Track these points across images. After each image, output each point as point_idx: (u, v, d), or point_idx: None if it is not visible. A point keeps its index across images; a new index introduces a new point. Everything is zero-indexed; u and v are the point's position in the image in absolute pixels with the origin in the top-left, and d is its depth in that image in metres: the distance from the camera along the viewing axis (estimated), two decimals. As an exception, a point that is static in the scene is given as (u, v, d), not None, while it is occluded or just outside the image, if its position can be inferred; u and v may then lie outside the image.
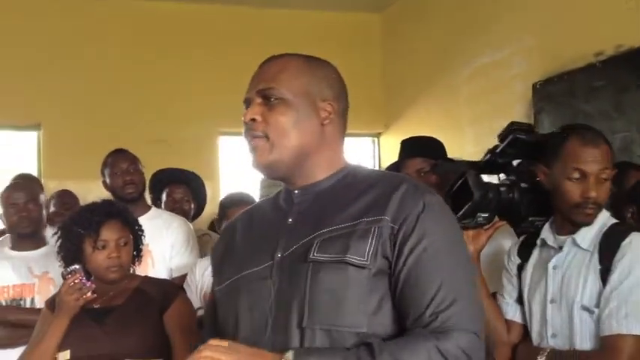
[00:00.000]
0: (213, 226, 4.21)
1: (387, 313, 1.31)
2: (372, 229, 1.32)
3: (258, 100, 1.42)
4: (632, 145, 3.59)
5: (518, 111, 4.39)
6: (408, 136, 3.18)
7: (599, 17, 3.78)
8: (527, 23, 4.41)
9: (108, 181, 3.37)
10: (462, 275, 1.33)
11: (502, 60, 4.55)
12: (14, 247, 3.12)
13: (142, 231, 2.57)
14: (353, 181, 1.43)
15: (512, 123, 2.21)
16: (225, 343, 1.23)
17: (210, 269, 2.96)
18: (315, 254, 1.32)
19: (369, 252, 1.30)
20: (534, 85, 4.29)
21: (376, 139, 6.29)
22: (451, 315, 1.26)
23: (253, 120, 1.41)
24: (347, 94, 1.49)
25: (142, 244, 2.58)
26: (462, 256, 1.37)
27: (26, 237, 3.08)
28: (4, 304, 2.98)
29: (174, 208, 3.73)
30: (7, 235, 3.50)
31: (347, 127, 1.50)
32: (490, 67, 4.75)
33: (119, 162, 3.34)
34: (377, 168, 5.64)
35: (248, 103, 1.45)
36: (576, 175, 1.98)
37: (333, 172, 1.45)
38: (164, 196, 3.88)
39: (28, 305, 3.00)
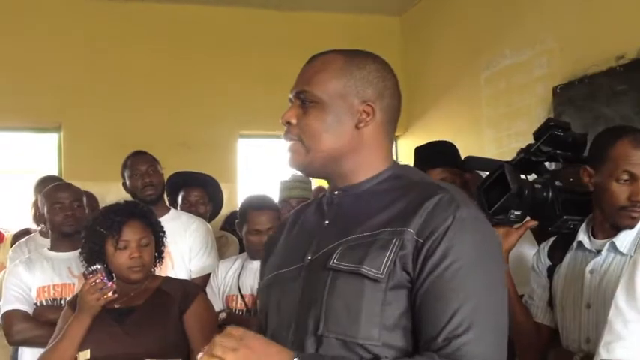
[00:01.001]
0: (225, 226, 4.22)
1: (408, 328, 1.26)
2: (394, 241, 1.27)
3: (297, 101, 1.41)
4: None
5: (539, 114, 4.35)
6: (425, 141, 3.14)
7: (621, 21, 3.75)
8: (548, 26, 4.38)
9: (127, 182, 3.39)
10: (485, 299, 1.24)
11: (523, 62, 4.52)
12: (54, 248, 3.15)
13: (164, 232, 2.60)
14: (392, 186, 1.38)
15: (550, 119, 2.18)
16: (239, 332, 1.19)
17: (232, 271, 2.99)
18: (335, 261, 1.30)
19: (385, 264, 1.25)
20: (555, 88, 4.26)
21: (395, 143, 6.27)
22: (465, 342, 1.20)
23: (289, 123, 1.41)
24: (394, 89, 1.43)
25: (164, 245, 2.60)
26: (489, 276, 1.27)
27: (66, 237, 3.10)
28: (44, 303, 3.00)
29: (189, 210, 3.74)
30: (31, 234, 3.55)
31: (396, 124, 1.44)
32: (511, 69, 4.72)
33: (138, 164, 3.36)
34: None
35: (291, 102, 1.44)
36: (625, 177, 1.95)
37: (374, 175, 1.40)
38: (180, 199, 3.90)
39: None
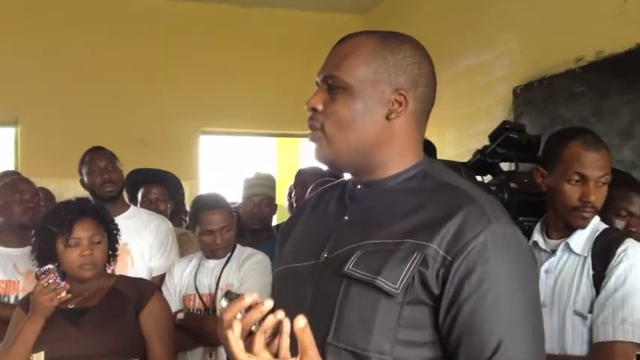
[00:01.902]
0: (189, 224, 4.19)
1: (423, 344, 1.20)
2: (414, 255, 1.18)
3: (324, 86, 1.31)
4: (611, 151, 3.60)
5: (499, 114, 4.40)
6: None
7: (581, 23, 3.81)
8: (509, 28, 4.43)
9: (85, 179, 3.33)
10: (527, 323, 1.19)
11: (484, 63, 4.57)
12: (1, 243, 3.10)
13: (118, 230, 2.55)
14: (419, 186, 1.29)
15: (505, 122, 2.20)
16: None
17: (188, 270, 2.96)
18: (351, 267, 1.22)
19: (403, 279, 1.18)
20: (515, 89, 4.31)
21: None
22: None
23: (315, 110, 1.31)
24: (430, 77, 1.32)
25: (118, 243, 2.55)
26: (528, 298, 1.21)
27: (19, 231, 3.05)
28: None
29: (149, 208, 3.70)
30: None
31: (428, 114, 1.34)
32: (472, 70, 4.76)
33: (97, 160, 3.30)
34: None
35: (317, 86, 1.34)
36: (576, 177, 1.99)
37: (404, 169, 1.30)
38: (140, 196, 3.85)
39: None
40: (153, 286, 2.58)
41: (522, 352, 1.17)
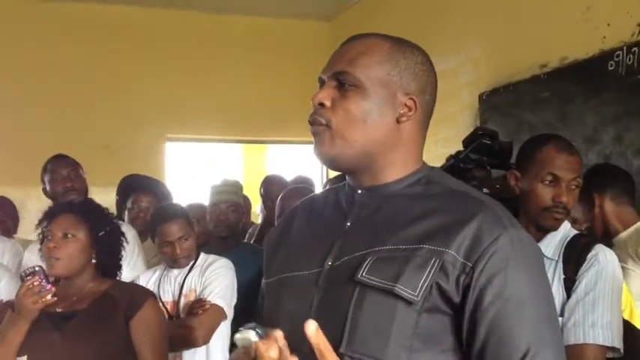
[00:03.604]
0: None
1: (439, 352, 1.18)
2: (433, 261, 1.16)
3: (333, 82, 1.27)
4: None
5: (465, 120, 4.43)
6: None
7: (545, 30, 3.85)
8: (474, 34, 4.47)
9: (48, 187, 3.27)
10: (550, 329, 1.18)
11: (449, 70, 4.59)
12: None
13: (117, 235, 2.45)
14: (425, 192, 1.27)
15: (479, 128, 2.22)
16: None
17: (152, 280, 2.94)
18: (365, 274, 1.18)
19: (422, 286, 1.15)
20: (481, 95, 4.34)
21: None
22: None
23: (322, 105, 1.26)
24: (434, 87, 1.33)
25: (114, 249, 2.44)
26: (547, 301, 1.22)
27: None
28: None
29: (138, 216, 3.65)
30: None
31: (429, 122, 1.34)
32: (438, 76, 4.77)
33: (59, 168, 3.25)
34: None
35: (322, 84, 1.30)
36: (549, 178, 2.04)
37: (406, 175, 1.29)
38: (129, 203, 3.81)
39: None
40: (146, 293, 2.45)
41: (552, 357, 1.16)
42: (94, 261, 2.37)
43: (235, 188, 3.62)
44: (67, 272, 2.32)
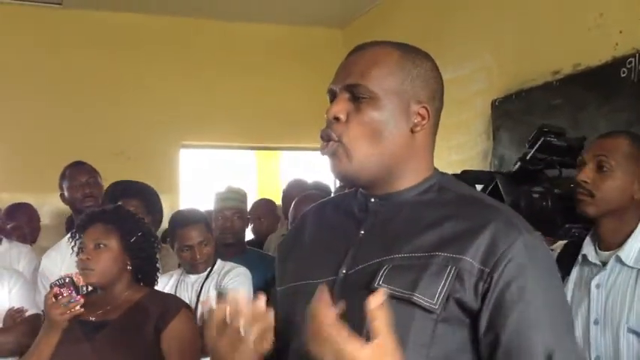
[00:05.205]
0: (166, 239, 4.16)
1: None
2: (449, 269, 1.16)
3: (345, 95, 1.25)
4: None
5: (478, 127, 4.44)
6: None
7: (557, 37, 3.85)
8: (486, 42, 4.47)
9: (66, 194, 3.31)
10: (568, 333, 1.19)
11: (462, 77, 4.60)
12: None
13: (148, 240, 2.43)
14: (438, 199, 1.26)
15: (543, 125, 2.11)
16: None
17: (169, 286, 2.95)
18: (382, 283, 1.17)
19: (440, 294, 1.15)
20: (493, 102, 4.34)
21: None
22: None
23: (337, 119, 1.24)
24: (443, 90, 1.32)
25: (146, 255, 2.42)
26: (564, 304, 1.23)
27: None
28: None
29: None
30: None
31: (438, 127, 1.34)
32: (451, 83, 4.73)
33: (78, 175, 3.29)
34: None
35: (332, 95, 1.28)
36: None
37: (418, 182, 1.28)
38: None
39: None
40: (180, 304, 2.39)
41: (569, 352, 1.16)
42: (129, 267, 2.36)
43: (240, 195, 3.62)
44: (101, 281, 2.33)
